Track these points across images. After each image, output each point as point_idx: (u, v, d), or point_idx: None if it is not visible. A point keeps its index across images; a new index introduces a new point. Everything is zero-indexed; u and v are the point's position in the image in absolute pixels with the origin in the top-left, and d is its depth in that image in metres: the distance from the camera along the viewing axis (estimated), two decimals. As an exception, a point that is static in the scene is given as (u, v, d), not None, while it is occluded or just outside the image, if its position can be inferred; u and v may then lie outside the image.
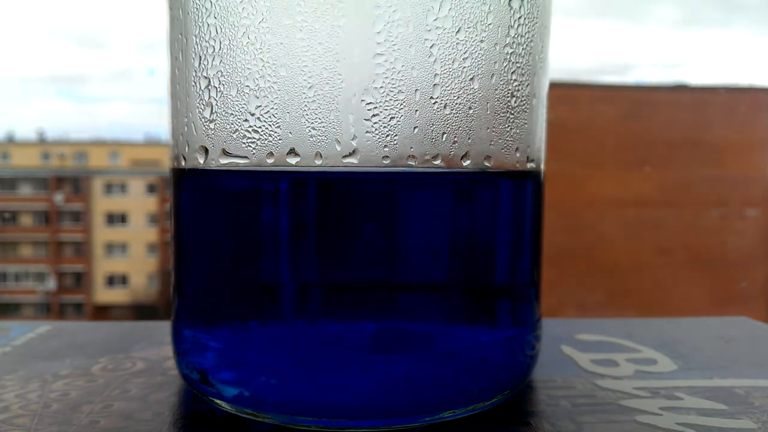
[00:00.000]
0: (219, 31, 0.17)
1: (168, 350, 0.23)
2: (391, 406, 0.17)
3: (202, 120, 0.18)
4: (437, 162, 0.17)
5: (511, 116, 0.18)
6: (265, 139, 0.17)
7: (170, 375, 0.21)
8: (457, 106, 0.17)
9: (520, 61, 0.18)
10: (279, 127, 0.16)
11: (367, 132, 0.16)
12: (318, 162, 0.16)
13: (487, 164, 0.18)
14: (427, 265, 0.17)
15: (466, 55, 0.17)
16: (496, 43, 0.17)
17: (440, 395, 0.17)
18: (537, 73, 0.19)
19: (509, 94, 0.18)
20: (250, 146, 0.17)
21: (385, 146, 0.16)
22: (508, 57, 0.18)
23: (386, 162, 0.16)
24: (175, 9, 0.19)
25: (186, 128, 0.18)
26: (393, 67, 0.16)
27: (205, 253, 0.18)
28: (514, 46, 0.18)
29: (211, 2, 0.17)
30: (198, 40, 0.17)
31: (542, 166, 0.20)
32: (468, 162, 0.17)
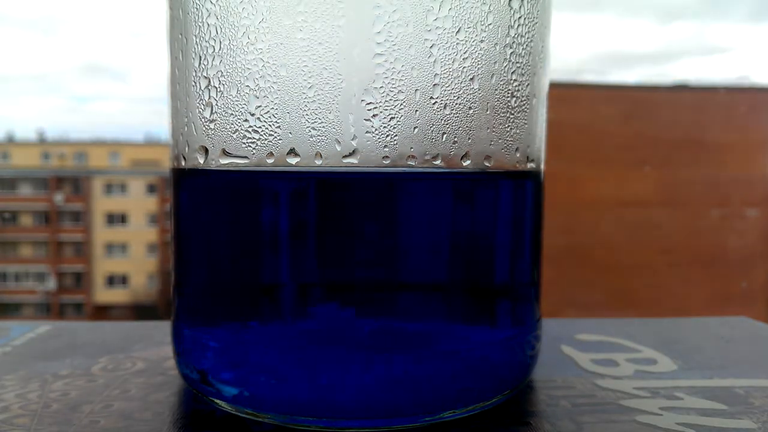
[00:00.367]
0: (219, 31, 0.17)
1: (168, 350, 0.23)
2: (392, 406, 0.17)
3: (202, 120, 0.18)
4: (437, 162, 0.17)
5: (511, 116, 0.18)
6: (265, 139, 0.17)
7: (170, 375, 0.21)
8: (457, 106, 0.17)
9: (520, 61, 0.18)
10: (279, 127, 0.16)
11: (367, 132, 0.16)
12: (318, 162, 0.16)
13: (487, 164, 0.18)
14: (427, 265, 0.17)
15: (466, 55, 0.17)
16: (496, 43, 0.17)
17: (440, 395, 0.17)
18: (537, 73, 0.19)
19: (509, 94, 0.18)
20: (250, 146, 0.17)
21: (385, 146, 0.16)
22: (508, 57, 0.18)
23: (386, 162, 0.16)
24: (175, 9, 0.19)
25: (186, 128, 0.18)
26: (393, 67, 0.16)
27: (205, 253, 0.18)
28: (514, 46, 0.18)
29: (211, 2, 0.17)
30: (198, 40, 0.17)
31: (542, 166, 0.20)
32: (468, 162, 0.17)
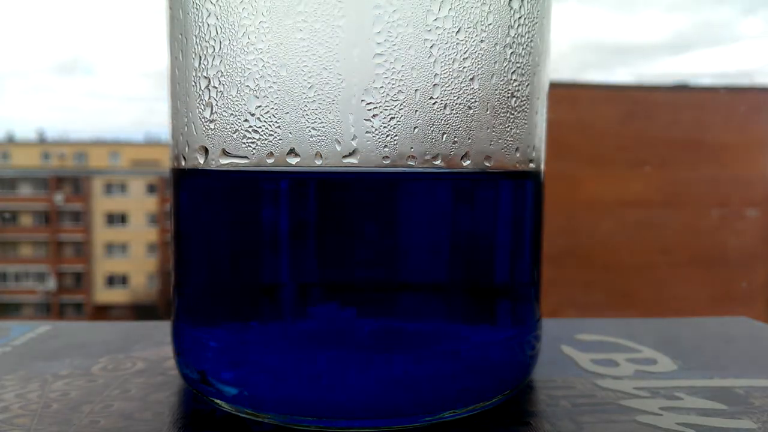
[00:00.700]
0: (219, 31, 0.17)
1: (168, 350, 0.23)
2: (392, 406, 0.17)
3: (202, 120, 0.18)
4: (437, 162, 0.17)
5: (511, 116, 0.18)
6: (265, 139, 0.17)
7: (170, 375, 0.21)
8: (457, 106, 0.17)
9: (520, 61, 0.18)
10: (279, 127, 0.16)
11: (367, 132, 0.16)
12: (318, 162, 0.16)
13: (487, 164, 0.18)
14: (427, 265, 0.17)
15: (466, 55, 0.17)
16: (496, 43, 0.17)
17: (440, 395, 0.17)
18: (537, 73, 0.19)
19: (509, 94, 0.18)
20: (250, 146, 0.17)
21: (385, 146, 0.16)
22: (508, 57, 0.18)
23: (386, 162, 0.16)
24: (175, 9, 0.19)
25: (186, 128, 0.18)
26: (393, 67, 0.16)
27: (205, 253, 0.18)
28: (514, 46, 0.18)
29: (211, 2, 0.17)
30: (198, 40, 0.17)
31: (542, 166, 0.20)
32: (468, 162, 0.17)
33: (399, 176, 0.17)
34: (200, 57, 0.17)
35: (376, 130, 0.16)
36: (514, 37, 0.18)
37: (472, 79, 0.17)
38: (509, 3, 0.18)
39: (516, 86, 0.18)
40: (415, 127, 0.16)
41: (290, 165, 0.16)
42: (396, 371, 0.17)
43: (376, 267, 0.17)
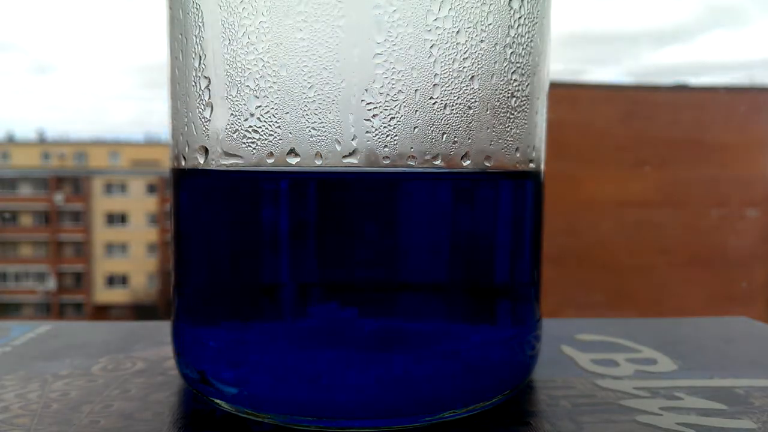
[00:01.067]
0: (219, 31, 0.17)
1: (168, 350, 0.23)
2: (392, 406, 0.17)
3: (202, 120, 0.18)
4: (437, 162, 0.17)
5: (511, 116, 0.18)
6: (265, 139, 0.17)
7: (170, 375, 0.21)
8: (457, 106, 0.17)
9: (520, 61, 0.18)
10: (279, 127, 0.16)
11: (367, 132, 0.16)
12: (318, 162, 0.16)
13: (487, 164, 0.18)
14: (427, 265, 0.17)
15: (466, 55, 0.17)
16: (496, 43, 0.17)
17: (440, 395, 0.17)
18: (537, 73, 0.19)
19: (509, 94, 0.18)
20: (250, 146, 0.17)
21: (385, 146, 0.16)
22: (508, 57, 0.18)
23: (386, 162, 0.16)
24: (175, 9, 0.19)
25: (186, 128, 0.18)
26: (393, 67, 0.16)
27: (205, 253, 0.18)
28: (514, 46, 0.18)
29: (211, 2, 0.17)
30: (198, 40, 0.17)
31: (542, 166, 0.20)
32: (468, 162, 0.17)
33: (399, 176, 0.17)
34: (200, 57, 0.17)
35: (376, 130, 0.16)
36: (514, 37, 0.18)
37: (472, 79, 0.17)
38: (509, 3, 0.18)
39: (516, 86, 0.18)
40: (415, 127, 0.16)
41: (290, 165, 0.16)
42: (396, 371, 0.17)
43: (376, 267, 0.17)
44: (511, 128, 0.18)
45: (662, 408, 0.19)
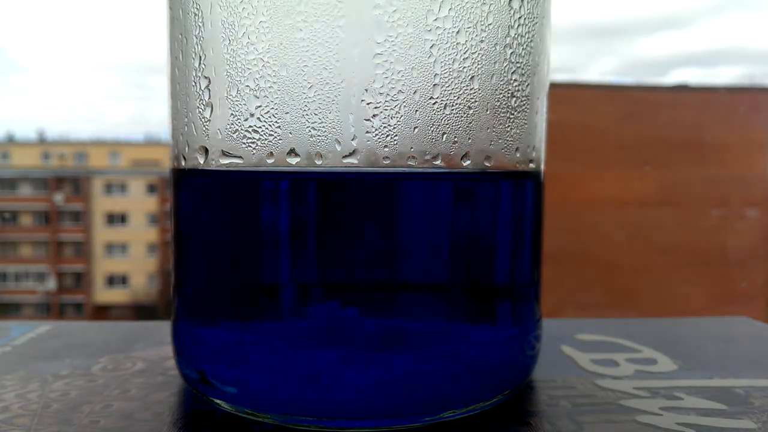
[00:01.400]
0: (219, 31, 0.17)
1: (168, 350, 0.23)
2: (392, 406, 0.17)
3: (202, 120, 0.18)
4: (437, 162, 0.17)
5: (511, 116, 0.18)
6: (265, 139, 0.17)
7: (170, 375, 0.21)
8: (457, 106, 0.17)
9: (520, 61, 0.18)
10: (279, 127, 0.16)
11: (367, 132, 0.16)
12: (318, 162, 0.16)
13: (487, 164, 0.18)
14: (427, 265, 0.17)
15: (466, 55, 0.17)
16: (496, 43, 0.17)
17: (440, 395, 0.17)
18: (537, 73, 0.19)
19: (509, 94, 0.18)
20: (250, 146, 0.17)
21: (385, 146, 0.16)
22: (508, 57, 0.18)
23: (386, 162, 0.16)
24: (175, 9, 0.19)
25: (186, 128, 0.18)
26: (393, 67, 0.16)
27: (205, 253, 0.18)
28: (514, 46, 0.18)
29: (211, 2, 0.17)
30: (198, 40, 0.17)
31: (542, 166, 0.20)
32: (468, 162, 0.17)
33: (399, 176, 0.17)
34: (200, 57, 0.17)
35: (376, 130, 0.16)
36: (514, 37, 0.18)
37: (472, 79, 0.17)
38: (509, 3, 0.18)
39: (516, 86, 0.18)
40: (415, 127, 0.16)
41: (290, 165, 0.16)
42: (396, 371, 0.17)
43: (376, 267, 0.17)
44: (511, 128, 0.18)
45: (662, 408, 0.19)
